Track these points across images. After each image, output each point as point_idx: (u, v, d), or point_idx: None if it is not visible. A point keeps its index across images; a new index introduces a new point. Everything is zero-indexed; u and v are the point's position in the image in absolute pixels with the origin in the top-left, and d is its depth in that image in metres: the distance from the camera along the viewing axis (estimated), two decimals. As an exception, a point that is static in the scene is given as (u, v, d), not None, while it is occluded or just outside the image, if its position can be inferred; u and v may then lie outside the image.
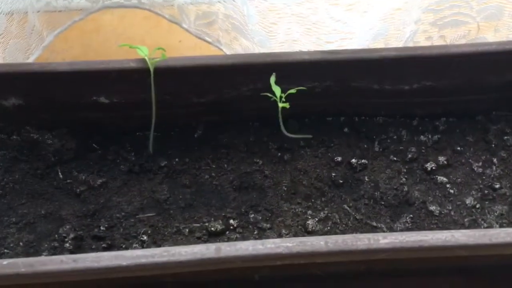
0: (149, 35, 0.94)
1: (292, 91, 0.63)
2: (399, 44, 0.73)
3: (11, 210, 0.65)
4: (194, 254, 0.49)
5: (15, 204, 0.66)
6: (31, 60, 0.76)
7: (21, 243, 0.62)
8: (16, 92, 0.66)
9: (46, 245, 0.62)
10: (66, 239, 0.63)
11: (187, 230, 0.64)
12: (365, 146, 0.72)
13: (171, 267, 0.49)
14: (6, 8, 0.71)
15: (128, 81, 0.65)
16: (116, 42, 0.92)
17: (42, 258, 0.48)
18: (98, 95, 0.67)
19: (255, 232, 0.64)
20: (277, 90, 0.63)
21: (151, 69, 0.63)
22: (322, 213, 0.65)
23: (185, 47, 0.93)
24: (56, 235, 0.63)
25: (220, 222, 0.64)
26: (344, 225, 0.65)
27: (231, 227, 0.64)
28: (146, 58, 0.63)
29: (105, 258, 0.48)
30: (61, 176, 0.68)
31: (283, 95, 0.64)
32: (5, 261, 0.48)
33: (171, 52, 0.64)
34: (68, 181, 0.68)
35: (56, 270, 0.48)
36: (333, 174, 0.69)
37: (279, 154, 0.70)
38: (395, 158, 0.71)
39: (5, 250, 0.61)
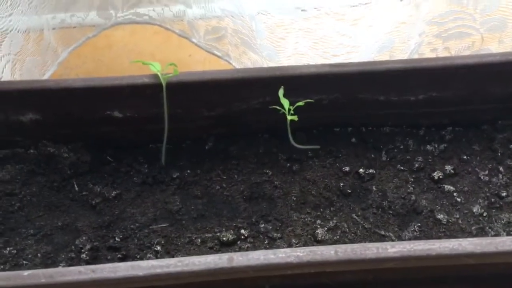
0: (160, 50, 0.96)
1: (300, 103, 0.65)
2: (404, 56, 0.75)
3: (29, 222, 0.67)
4: (207, 264, 0.50)
5: (32, 216, 0.68)
6: (46, 76, 0.79)
7: (39, 254, 0.64)
8: (33, 107, 0.69)
9: (63, 256, 0.64)
10: (83, 250, 0.64)
11: (199, 240, 0.66)
12: (373, 156, 0.73)
13: (185, 277, 0.50)
14: (23, 26, 0.74)
15: (141, 96, 0.67)
16: (127, 57, 0.95)
17: (62, 269, 0.50)
18: (111, 110, 0.69)
19: (266, 242, 0.65)
20: (285, 103, 0.65)
21: (164, 84, 0.65)
22: (331, 222, 0.67)
23: (195, 61, 0.96)
24: (72, 246, 0.65)
25: (232, 232, 0.66)
26: (353, 234, 0.66)
27: (242, 237, 0.66)
28: (158, 73, 0.65)
29: (122, 268, 0.50)
30: (76, 188, 0.70)
31: (291, 107, 0.65)
32: (26, 272, 0.50)
33: (181, 66, 0.66)
34: (84, 193, 0.70)
35: (75, 280, 0.49)
36: (341, 184, 0.70)
37: (288, 164, 0.72)
38: (402, 168, 0.72)
39: (24, 261, 0.63)
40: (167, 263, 0.50)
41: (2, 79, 0.71)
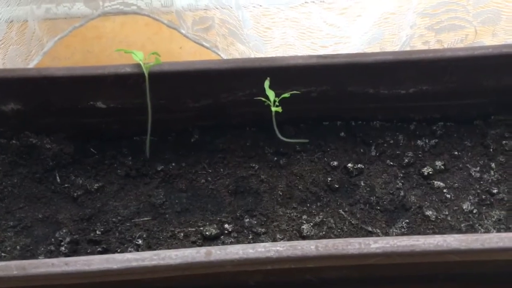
0: (150, 42, 0.95)
1: (286, 95, 0.64)
2: (395, 49, 0.73)
3: (9, 214, 0.66)
4: (184, 257, 0.49)
5: (13, 208, 0.66)
6: (31, 66, 0.77)
7: (18, 247, 0.63)
8: (15, 97, 0.67)
9: (42, 249, 0.63)
10: (62, 243, 0.63)
11: (182, 234, 0.64)
12: (362, 150, 0.71)
13: (161, 271, 0.49)
14: (6, 15, 0.72)
15: (124, 86, 0.66)
16: (117, 48, 0.93)
17: (34, 261, 0.49)
18: (95, 100, 0.68)
19: (250, 237, 0.64)
20: (270, 94, 0.63)
21: (146, 74, 0.63)
22: (317, 217, 0.65)
23: (186, 53, 0.94)
24: (52, 239, 0.64)
25: (215, 226, 0.64)
26: (339, 230, 0.64)
27: (226, 232, 0.64)
28: (141, 62, 0.63)
29: (96, 261, 0.48)
30: (58, 180, 0.69)
31: (276, 99, 0.64)
32: (-2, 264, 0.49)
33: (172, 59, 0.65)
34: (66, 185, 0.69)
35: (48, 272, 0.48)
36: (329, 179, 0.68)
37: (275, 158, 0.71)
38: (391, 163, 0.70)
39: (2, 254, 0.62)
40: (143, 257, 0.49)
41: (-16, 68, 0.69)
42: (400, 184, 0.68)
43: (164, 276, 0.51)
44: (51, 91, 0.67)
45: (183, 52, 0.95)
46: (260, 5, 0.68)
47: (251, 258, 0.49)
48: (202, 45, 0.78)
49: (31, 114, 0.69)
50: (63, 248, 0.63)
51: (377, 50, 0.73)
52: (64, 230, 0.64)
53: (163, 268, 0.49)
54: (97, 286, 0.52)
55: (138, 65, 0.64)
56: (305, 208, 0.66)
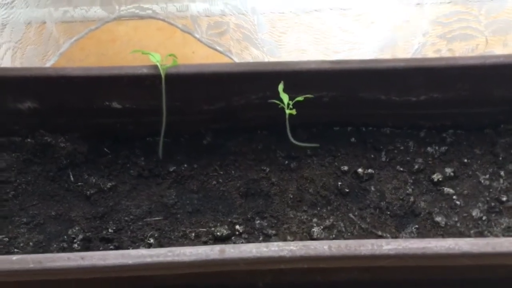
0: (163, 46, 0.96)
1: (300, 98, 0.64)
2: (407, 56, 0.74)
3: (22, 211, 0.67)
4: (198, 254, 0.49)
5: (26, 205, 0.67)
6: (47, 66, 0.79)
7: (31, 243, 0.64)
8: (31, 95, 0.68)
9: (55, 246, 0.63)
10: (75, 240, 0.64)
11: (193, 234, 0.65)
12: (372, 156, 0.72)
13: (176, 267, 0.49)
14: (25, 16, 0.74)
15: (140, 87, 0.67)
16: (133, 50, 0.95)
17: (50, 255, 0.50)
18: (110, 100, 0.69)
19: (261, 238, 0.64)
20: (284, 97, 0.64)
21: (163, 75, 0.65)
22: (327, 221, 0.66)
23: (198, 58, 0.95)
24: (65, 236, 0.64)
25: (226, 227, 0.65)
26: (349, 234, 0.65)
27: (237, 233, 0.65)
28: (158, 64, 0.64)
29: (111, 256, 0.49)
30: (72, 178, 0.70)
31: (290, 102, 0.65)
32: (14, 257, 0.50)
33: (184, 62, 0.66)
34: (79, 183, 0.69)
35: (63, 266, 0.49)
36: (339, 183, 0.69)
37: (286, 162, 0.71)
38: (401, 169, 0.71)
39: (15, 250, 0.63)
40: (157, 253, 0.49)
41: (2, 66, 0.71)
42: (410, 190, 0.69)
43: (177, 273, 0.52)
44: (67, 91, 0.68)
45: (196, 57, 0.96)
46: (276, 11, 0.69)
47: (264, 256, 0.49)
48: (216, 50, 0.79)
49: (46, 113, 0.70)
50: (75, 245, 0.63)
51: (389, 57, 0.74)
52: (76, 228, 0.65)
53: (177, 265, 0.49)
54: (111, 282, 0.52)
55: (155, 67, 0.65)
56: (315, 211, 0.67)
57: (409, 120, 0.73)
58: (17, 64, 0.73)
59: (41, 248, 0.63)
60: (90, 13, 0.81)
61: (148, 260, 0.49)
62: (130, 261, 0.49)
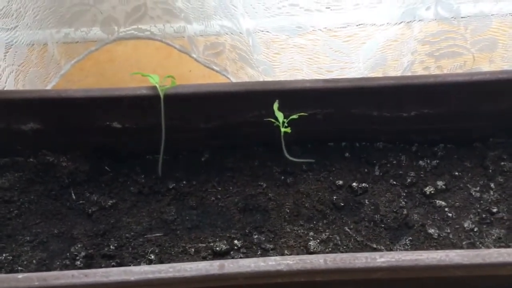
0: (161, 65, 0.98)
1: (294, 116, 0.67)
2: (397, 73, 0.76)
3: (25, 230, 0.68)
4: (198, 270, 0.51)
5: (29, 223, 0.69)
6: (49, 87, 0.81)
7: (34, 261, 0.65)
8: (34, 117, 0.70)
9: (58, 263, 0.65)
10: (77, 258, 0.65)
11: (193, 249, 0.66)
12: (366, 170, 0.74)
13: (177, 283, 0.51)
14: (28, 39, 0.76)
15: (140, 107, 0.69)
16: (129, 72, 0.97)
17: (55, 273, 0.51)
18: (111, 120, 0.71)
19: (259, 253, 0.66)
20: (279, 116, 0.66)
21: (161, 96, 0.67)
22: (323, 234, 0.67)
23: (195, 76, 0.98)
24: (67, 254, 0.66)
25: (225, 242, 0.67)
26: (345, 247, 0.66)
27: (236, 247, 0.66)
28: (157, 85, 0.67)
29: (114, 273, 0.51)
30: (74, 197, 0.71)
31: (285, 120, 0.67)
32: (20, 275, 0.51)
33: (181, 81, 0.68)
34: (81, 202, 0.71)
35: (68, 284, 0.50)
36: (335, 197, 0.71)
37: (283, 177, 0.73)
38: (394, 182, 0.73)
39: (19, 268, 0.64)
40: (159, 269, 0.51)
41: (6, 88, 0.73)
42: (403, 203, 0.71)
43: (178, 289, 0.53)
44: (69, 112, 0.70)
45: (192, 75, 0.98)
46: (270, 32, 0.72)
47: (262, 271, 0.51)
48: (212, 69, 0.81)
49: (49, 133, 0.72)
50: (78, 263, 0.65)
51: (380, 74, 0.77)
52: (79, 245, 0.67)
53: (178, 280, 0.51)
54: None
55: (154, 87, 0.68)
56: (311, 225, 0.69)
57: (401, 135, 0.75)
58: (20, 86, 0.75)
59: (44, 266, 0.65)
60: (90, 34, 0.84)
61: (150, 276, 0.50)
62: (132, 278, 0.50)
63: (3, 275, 0.53)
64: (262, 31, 0.71)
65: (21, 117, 0.71)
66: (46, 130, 0.72)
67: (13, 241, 0.67)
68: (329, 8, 0.68)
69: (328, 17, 0.70)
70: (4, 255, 0.65)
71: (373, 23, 0.68)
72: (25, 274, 0.51)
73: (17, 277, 0.51)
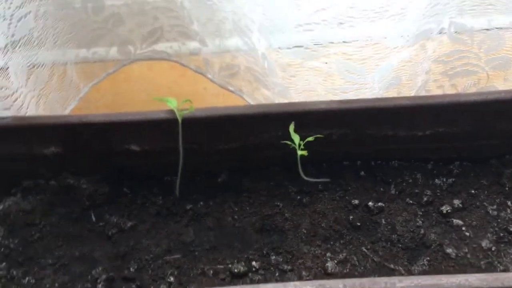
0: (176, 84, 1.00)
1: (310, 139, 0.67)
2: (412, 92, 0.77)
3: (47, 252, 0.70)
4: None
5: (51, 246, 0.70)
6: (68, 110, 0.83)
7: (56, 284, 0.66)
8: (56, 141, 0.72)
9: (79, 286, 0.66)
10: (99, 281, 0.66)
11: (211, 271, 0.67)
12: (382, 189, 0.74)
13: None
14: (48, 62, 0.78)
15: (158, 130, 0.70)
16: (145, 90, 0.99)
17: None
18: (130, 144, 0.72)
19: (277, 274, 0.67)
20: (295, 138, 0.67)
21: (179, 120, 0.68)
22: (341, 255, 0.68)
23: (210, 94, 0.99)
24: (89, 276, 0.67)
25: (243, 263, 0.67)
26: (362, 268, 0.67)
27: (254, 269, 0.67)
28: (175, 109, 0.68)
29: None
30: (94, 219, 0.73)
31: (301, 142, 0.68)
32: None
33: (196, 99, 0.69)
34: (101, 224, 0.72)
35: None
36: (351, 217, 0.71)
37: (299, 197, 0.74)
38: (411, 201, 0.73)
39: (42, 291, 0.66)
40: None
41: (28, 114, 0.75)
42: (420, 222, 0.71)
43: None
44: (89, 136, 0.72)
45: (207, 93, 1.00)
46: (285, 56, 0.73)
47: (282, 296, 0.51)
48: (228, 89, 0.82)
49: (69, 157, 0.74)
50: (99, 286, 0.66)
51: (394, 94, 0.78)
52: (100, 268, 0.68)
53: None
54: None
55: (171, 111, 0.69)
56: (328, 245, 0.69)
57: (416, 154, 0.75)
58: (41, 110, 0.77)
59: (66, 289, 0.66)
60: (108, 56, 0.86)
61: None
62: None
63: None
64: (278, 54, 0.72)
65: (44, 141, 0.72)
66: (67, 154, 0.74)
67: (35, 264, 0.68)
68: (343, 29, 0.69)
69: (345, 35, 0.71)
70: (27, 278, 0.67)
71: (387, 46, 0.68)
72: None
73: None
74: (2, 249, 0.69)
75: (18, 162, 0.73)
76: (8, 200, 0.73)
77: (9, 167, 0.73)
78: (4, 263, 0.68)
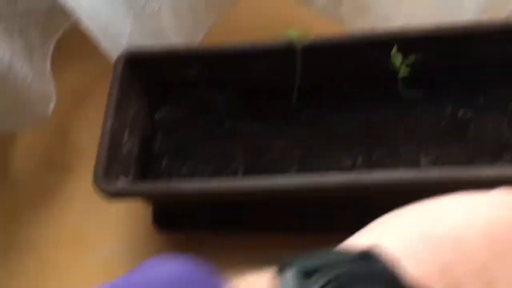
0: (280, 11, 1.11)
1: (410, 59, 0.80)
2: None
3: (196, 150, 0.89)
4: (337, 180, 0.69)
5: (198, 145, 0.90)
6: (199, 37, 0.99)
7: (206, 173, 0.88)
8: (195, 64, 0.89)
9: (224, 174, 0.87)
10: (238, 171, 0.86)
11: (324, 167, 0.85)
12: (471, 100, 0.85)
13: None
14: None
15: (279, 57, 0.86)
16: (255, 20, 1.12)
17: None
18: (254, 67, 0.88)
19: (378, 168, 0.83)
20: (397, 59, 0.80)
21: (299, 47, 0.82)
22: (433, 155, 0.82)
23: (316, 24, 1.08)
24: (230, 168, 0.87)
25: (349, 161, 0.84)
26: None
27: (358, 164, 0.84)
28: (293, 37, 0.82)
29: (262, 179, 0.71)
30: (228, 126, 0.92)
31: (402, 62, 0.80)
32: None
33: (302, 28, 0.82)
34: (234, 130, 0.91)
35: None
36: (443, 123, 0.84)
37: (398, 107, 0.87)
38: (498, 112, 0.83)
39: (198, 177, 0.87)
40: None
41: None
42: (507, 129, 0.82)
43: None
44: (221, 61, 0.88)
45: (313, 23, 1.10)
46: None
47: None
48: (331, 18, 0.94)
49: (206, 78, 0.91)
50: (239, 174, 0.86)
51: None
52: (237, 161, 0.88)
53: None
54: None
55: (289, 40, 0.83)
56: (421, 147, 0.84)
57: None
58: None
59: (215, 175, 0.87)
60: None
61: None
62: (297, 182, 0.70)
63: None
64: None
65: (186, 64, 0.91)
66: (205, 75, 0.92)
67: (188, 158, 0.90)
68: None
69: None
70: (183, 168, 0.89)
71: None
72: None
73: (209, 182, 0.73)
74: (164, 147, 0.91)
75: (170, 79, 0.92)
76: (163, 109, 0.95)
77: (163, 83, 0.92)
78: (166, 157, 0.90)
